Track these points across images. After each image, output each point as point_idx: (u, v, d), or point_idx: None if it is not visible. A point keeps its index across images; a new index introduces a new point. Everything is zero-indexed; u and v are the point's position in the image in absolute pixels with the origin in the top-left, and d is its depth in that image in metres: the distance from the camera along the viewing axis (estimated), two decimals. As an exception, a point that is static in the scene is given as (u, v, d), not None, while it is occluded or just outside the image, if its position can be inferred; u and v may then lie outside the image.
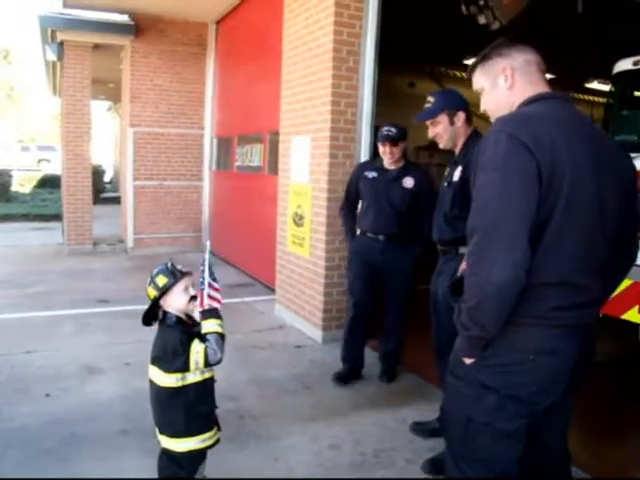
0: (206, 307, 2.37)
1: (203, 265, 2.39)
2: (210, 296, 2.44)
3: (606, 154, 1.73)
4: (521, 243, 1.54)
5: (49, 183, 18.74)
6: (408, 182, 3.79)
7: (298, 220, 5.19)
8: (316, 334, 4.90)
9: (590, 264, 1.69)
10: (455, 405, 1.84)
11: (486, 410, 1.71)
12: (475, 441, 1.75)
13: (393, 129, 3.74)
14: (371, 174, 3.89)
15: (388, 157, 3.78)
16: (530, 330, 1.65)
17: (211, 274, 2.44)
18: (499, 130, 1.64)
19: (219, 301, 2.41)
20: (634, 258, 1.96)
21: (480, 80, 1.90)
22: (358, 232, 4.03)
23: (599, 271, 1.72)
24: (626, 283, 3.89)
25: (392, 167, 3.84)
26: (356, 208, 4.10)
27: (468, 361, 1.73)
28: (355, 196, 4.03)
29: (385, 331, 4.06)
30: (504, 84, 1.83)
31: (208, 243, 2.55)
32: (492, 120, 1.88)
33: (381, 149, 3.80)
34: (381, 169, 3.87)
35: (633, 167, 1.86)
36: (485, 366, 1.71)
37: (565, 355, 1.68)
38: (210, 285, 2.44)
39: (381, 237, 3.84)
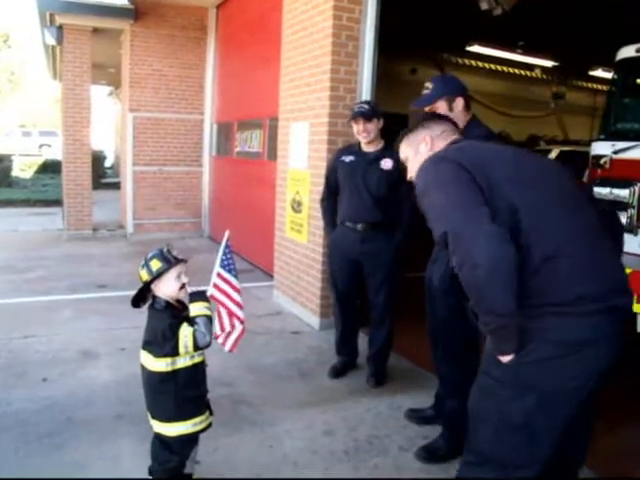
0: (208, 295, 2.38)
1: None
2: (215, 285, 2.44)
3: (539, 159, 1.96)
4: (482, 219, 1.60)
5: (50, 168, 18.70)
6: (387, 164, 3.58)
7: (296, 206, 5.17)
8: (313, 320, 4.90)
9: (581, 229, 1.72)
10: (486, 407, 1.77)
11: (525, 410, 1.66)
12: (507, 443, 1.70)
13: (365, 105, 3.59)
14: (348, 158, 3.70)
15: (363, 136, 3.58)
16: (567, 320, 1.61)
17: (221, 262, 2.45)
18: (426, 161, 1.88)
19: (224, 293, 2.43)
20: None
21: (406, 151, 2.14)
22: (338, 223, 3.82)
23: (595, 238, 1.74)
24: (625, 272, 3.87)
25: (371, 149, 3.65)
26: (337, 198, 3.86)
27: (506, 359, 1.67)
28: (336, 185, 3.79)
29: (371, 330, 3.86)
30: (425, 148, 2.05)
31: (227, 232, 2.54)
32: None
33: (355, 128, 3.61)
34: (359, 152, 3.69)
35: (565, 166, 1.98)
36: (524, 363, 1.65)
37: (607, 343, 1.64)
38: (219, 275, 2.44)
39: (359, 226, 3.62)
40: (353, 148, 3.79)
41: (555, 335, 1.62)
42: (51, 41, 8.84)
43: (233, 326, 2.50)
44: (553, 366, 1.63)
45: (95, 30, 8.72)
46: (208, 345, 2.23)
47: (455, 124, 2.19)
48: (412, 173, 2.06)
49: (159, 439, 2.33)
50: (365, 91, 4.68)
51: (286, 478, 2.66)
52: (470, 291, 1.62)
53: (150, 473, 2.39)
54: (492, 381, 1.75)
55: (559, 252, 1.63)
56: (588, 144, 7.71)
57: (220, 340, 2.47)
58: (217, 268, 2.45)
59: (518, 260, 1.58)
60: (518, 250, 1.60)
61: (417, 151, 2.06)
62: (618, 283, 1.70)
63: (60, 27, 8.51)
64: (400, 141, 2.16)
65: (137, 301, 2.32)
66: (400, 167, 3.58)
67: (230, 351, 2.55)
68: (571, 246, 1.65)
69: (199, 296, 2.30)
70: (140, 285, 2.27)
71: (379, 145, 3.67)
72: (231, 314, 2.46)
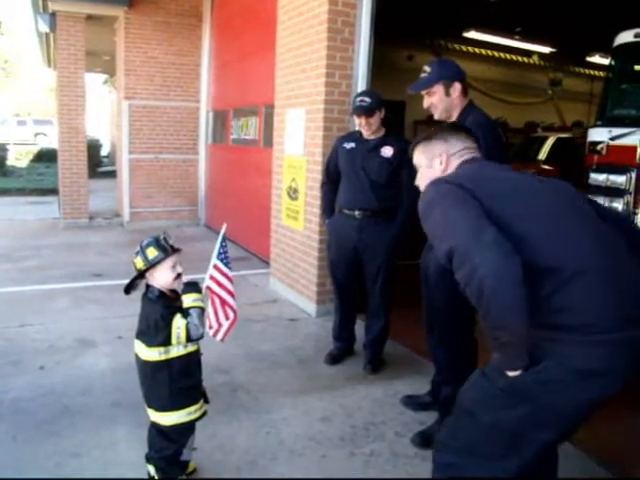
0: (204, 288, 2.37)
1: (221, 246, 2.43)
2: (211, 277, 2.43)
3: (547, 180, 1.89)
4: (483, 229, 1.59)
5: (46, 157, 18.60)
6: (387, 151, 3.57)
7: (292, 193, 5.15)
8: (310, 307, 4.90)
9: (598, 244, 1.67)
10: (481, 407, 1.76)
11: (516, 419, 1.67)
12: (492, 445, 1.72)
13: (367, 98, 3.53)
14: (349, 145, 3.69)
15: (365, 129, 3.59)
16: (582, 349, 1.59)
17: (218, 254, 2.44)
18: (428, 185, 1.88)
19: (220, 285, 2.42)
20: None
21: (420, 158, 2.07)
22: (337, 211, 3.82)
23: (616, 252, 1.70)
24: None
25: (372, 137, 3.64)
26: (338, 185, 3.84)
27: (513, 374, 1.66)
28: (335, 170, 3.78)
29: (368, 318, 3.87)
30: (439, 167, 1.99)
31: (225, 226, 2.52)
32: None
33: (357, 121, 3.63)
34: (360, 139, 3.68)
35: (569, 185, 1.95)
36: (531, 381, 1.64)
37: (616, 374, 1.62)
38: (215, 267, 2.43)
39: (357, 213, 3.61)
40: (354, 135, 3.78)
41: (569, 361, 1.60)
42: (44, 28, 8.75)
43: (227, 316, 2.48)
44: (559, 388, 1.61)
45: (89, 17, 8.63)
46: (201, 337, 2.22)
47: (478, 141, 2.08)
48: (420, 182, 2.05)
49: (155, 427, 2.33)
50: (361, 78, 4.65)
51: (286, 478, 2.63)
52: (479, 305, 1.59)
53: (147, 460, 2.40)
54: (493, 388, 1.73)
55: (588, 267, 1.60)
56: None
57: (211, 332, 2.46)
58: (214, 260, 2.43)
59: (525, 271, 1.55)
60: (540, 266, 1.60)
61: (431, 165, 2.01)
62: (637, 310, 1.66)
63: (53, 14, 8.42)
64: (415, 146, 2.08)
65: (129, 289, 2.30)
66: (402, 156, 3.60)
67: (221, 341, 2.54)
68: (600, 261, 1.62)
69: (192, 287, 2.27)
70: (135, 272, 2.25)
71: (380, 133, 3.66)
72: (224, 303, 2.45)
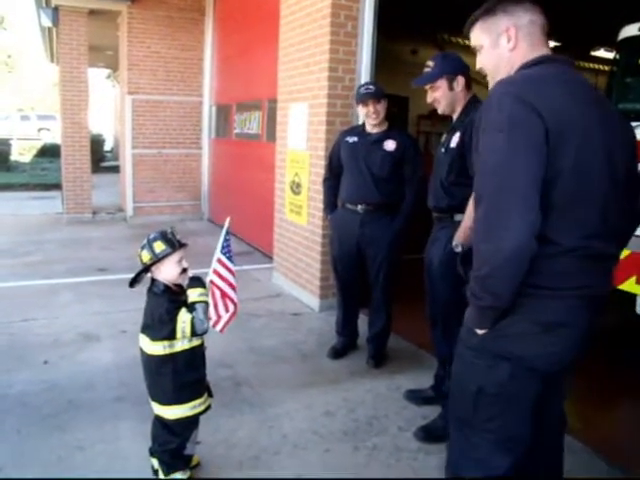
0: (208, 282, 2.37)
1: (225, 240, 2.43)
2: (215, 271, 2.43)
3: (612, 118, 1.68)
4: (533, 204, 1.47)
5: (49, 152, 18.62)
6: (389, 145, 3.54)
7: (295, 188, 5.15)
8: (313, 302, 4.91)
9: (606, 229, 1.62)
10: (465, 375, 1.77)
11: (498, 380, 1.66)
12: (485, 412, 1.71)
13: (371, 86, 3.56)
14: (352, 139, 3.68)
15: (373, 117, 3.55)
16: (550, 302, 1.59)
17: (222, 248, 2.44)
18: (503, 91, 1.57)
19: (222, 278, 2.42)
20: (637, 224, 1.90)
21: (481, 37, 1.79)
22: (339, 205, 3.82)
23: (615, 236, 1.68)
24: (624, 253, 3.86)
25: (375, 130, 3.62)
26: (340, 180, 3.82)
27: (480, 332, 1.67)
28: (338, 165, 3.77)
29: (371, 312, 3.87)
30: (506, 44, 1.74)
31: (228, 219, 2.52)
32: (489, 79, 1.82)
33: (364, 110, 3.59)
34: (362, 133, 3.67)
35: (634, 132, 1.81)
36: (500, 336, 1.64)
37: (581, 326, 1.65)
38: (219, 261, 2.43)
39: (359, 207, 3.60)
40: (357, 129, 3.78)
41: (537, 315, 1.61)
42: (47, 23, 8.74)
43: (227, 308, 2.49)
44: (528, 339, 1.62)
45: (92, 12, 8.62)
46: (205, 332, 2.22)
47: (544, 15, 1.79)
48: (484, 65, 1.82)
49: (159, 421, 2.34)
50: (364, 72, 4.64)
51: (288, 478, 2.60)
52: (481, 265, 1.55)
53: (151, 454, 2.41)
54: (469, 351, 1.74)
55: (582, 247, 1.57)
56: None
57: (211, 322, 2.47)
58: (217, 254, 2.43)
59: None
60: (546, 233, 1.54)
61: (496, 43, 1.75)
62: (604, 279, 1.69)
63: (56, 8, 8.40)
64: (473, 23, 1.81)
65: (133, 283, 2.30)
66: (405, 150, 3.58)
67: (220, 331, 2.54)
68: (595, 245, 1.59)
69: (197, 282, 2.28)
70: (140, 265, 2.25)
71: (383, 126, 3.64)
72: (224, 295, 2.45)
